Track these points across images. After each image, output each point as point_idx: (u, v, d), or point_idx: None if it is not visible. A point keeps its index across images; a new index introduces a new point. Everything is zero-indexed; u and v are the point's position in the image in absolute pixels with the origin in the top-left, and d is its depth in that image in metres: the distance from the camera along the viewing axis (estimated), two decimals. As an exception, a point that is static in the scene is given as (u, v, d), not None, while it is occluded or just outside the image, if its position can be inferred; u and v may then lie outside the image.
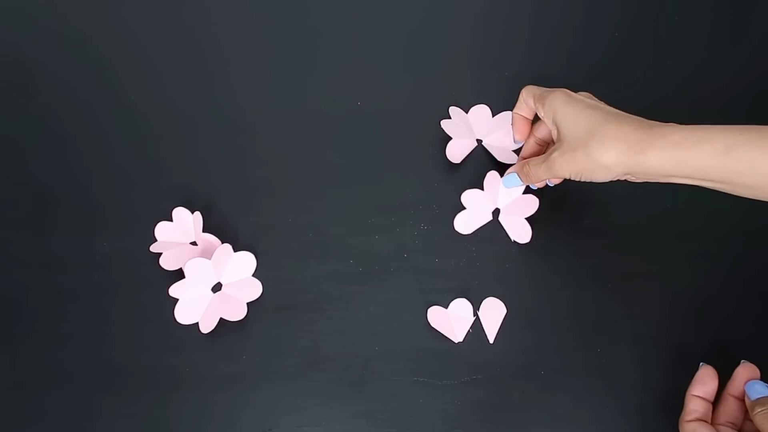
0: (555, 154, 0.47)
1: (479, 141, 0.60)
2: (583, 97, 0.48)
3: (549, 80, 0.53)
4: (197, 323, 0.53)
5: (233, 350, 0.53)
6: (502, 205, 0.56)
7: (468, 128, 0.60)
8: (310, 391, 0.52)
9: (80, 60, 0.65)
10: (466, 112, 0.60)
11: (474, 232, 0.57)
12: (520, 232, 0.56)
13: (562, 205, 0.57)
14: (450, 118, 0.59)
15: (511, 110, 0.55)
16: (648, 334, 0.53)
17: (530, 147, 0.55)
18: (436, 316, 0.53)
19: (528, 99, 0.52)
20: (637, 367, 0.52)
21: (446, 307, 0.54)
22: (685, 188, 0.57)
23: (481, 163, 0.59)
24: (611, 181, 0.46)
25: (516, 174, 0.53)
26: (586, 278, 0.55)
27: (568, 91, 0.48)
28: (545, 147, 0.54)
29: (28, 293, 0.56)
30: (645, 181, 0.45)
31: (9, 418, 0.52)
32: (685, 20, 0.65)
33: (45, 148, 0.61)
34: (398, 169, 0.59)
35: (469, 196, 0.56)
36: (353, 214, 0.58)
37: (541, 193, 0.57)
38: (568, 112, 0.46)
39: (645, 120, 0.44)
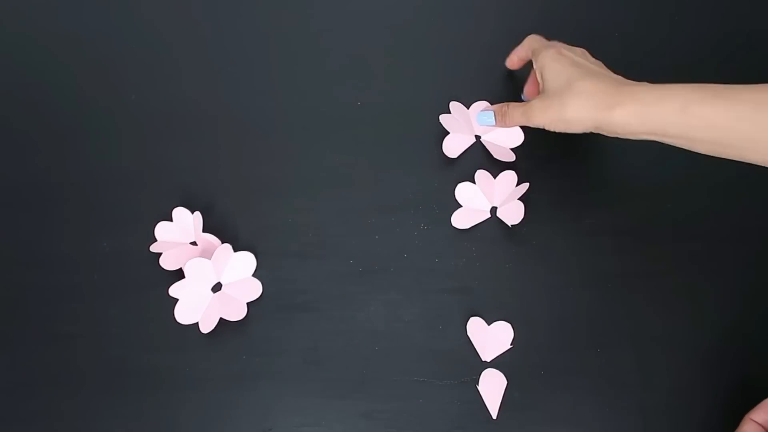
0: (534, 102, 0.51)
1: (477, 137, 0.60)
2: (575, 54, 0.51)
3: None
4: (197, 323, 0.53)
5: (233, 350, 0.53)
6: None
7: (467, 124, 0.60)
8: (310, 391, 0.52)
9: (80, 60, 0.65)
10: (468, 108, 0.61)
11: (472, 227, 0.57)
12: (513, 214, 0.56)
13: (562, 205, 0.57)
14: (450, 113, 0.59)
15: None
16: (648, 334, 0.53)
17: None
18: (475, 329, 0.53)
19: (527, 49, 0.56)
20: (637, 367, 0.52)
21: (489, 323, 0.53)
22: (685, 188, 0.57)
23: (479, 160, 0.59)
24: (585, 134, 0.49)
25: (492, 113, 0.56)
26: (586, 278, 0.55)
27: (562, 47, 0.52)
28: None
29: (28, 293, 0.55)
30: (615, 136, 0.48)
31: (9, 418, 0.52)
32: (687, 17, 0.65)
33: (45, 147, 0.61)
34: (398, 169, 0.59)
35: (462, 191, 0.57)
36: (353, 214, 0.58)
37: (542, 193, 0.57)
38: (554, 67, 0.50)
39: (621, 78, 0.48)
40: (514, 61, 0.59)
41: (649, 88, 0.45)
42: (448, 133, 0.59)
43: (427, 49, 0.65)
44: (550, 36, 0.56)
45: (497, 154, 0.59)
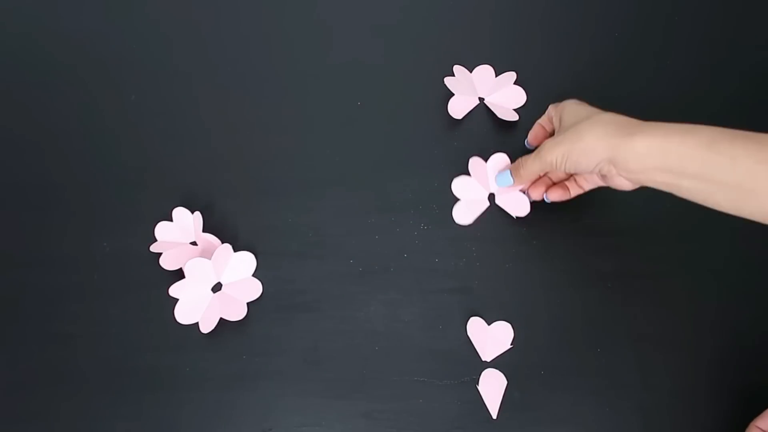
0: (547, 141, 0.49)
1: (481, 99, 0.61)
2: (586, 104, 0.50)
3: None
4: (197, 323, 0.53)
5: (233, 350, 0.53)
6: (500, 193, 0.57)
7: (471, 86, 0.61)
8: (310, 391, 0.52)
9: (80, 60, 0.65)
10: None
11: (475, 221, 0.57)
12: (518, 206, 0.56)
13: (562, 205, 0.57)
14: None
15: (514, 71, 0.61)
16: (648, 334, 0.53)
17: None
18: (475, 329, 0.53)
19: (550, 112, 0.55)
20: (637, 367, 0.52)
21: (489, 323, 0.53)
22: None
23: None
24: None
25: (508, 172, 0.54)
26: (586, 278, 0.55)
27: (584, 102, 0.51)
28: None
29: (28, 293, 0.56)
30: (623, 180, 0.46)
31: (9, 418, 0.52)
32: (687, 22, 0.65)
33: (45, 147, 0.61)
34: (398, 169, 0.59)
35: (459, 184, 0.57)
36: (353, 214, 0.58)
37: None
38: (574, 108, 0.49)
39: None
40: (536, 132, 0.56)
41: (673, 124, 0.43)
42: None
43: (426, 47, 0.65)
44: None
45: (501, 114, 0.60)
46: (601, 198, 0.58)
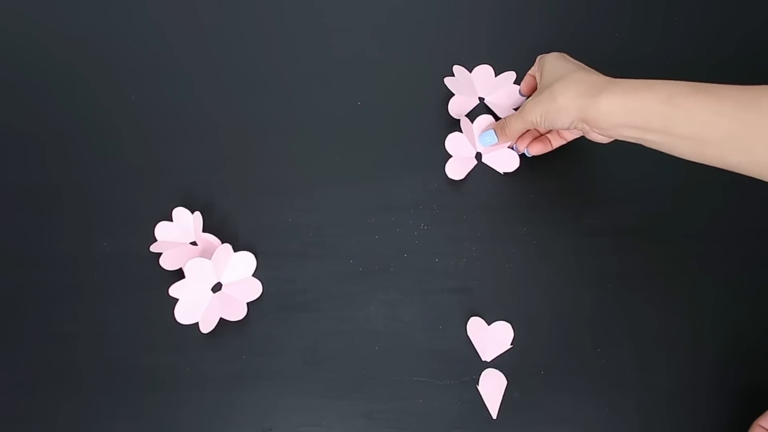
0: (528, 100, 0.52)
1: (481, 99, 0.62)
2: (570, 59, 0.52)
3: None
4: (197, 323, 0.53)
5: (233, 350, 0.53)
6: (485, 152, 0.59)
7: (471, 86, 0.62)
8: (310, 391, 0.52)
9: (80, 60, 0.65)
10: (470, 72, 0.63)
11: (465, 176, 0.58)
12: (506, 162, 0.58)
13: (562, 205, 0.57)
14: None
15: (514, 71, 0.62)
16: (648, 334, 0.53)
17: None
18: (475, 329, 0.53)
19: (537, 63, 0.56)
20: (637, 367, 0.52)
21: (489, 323, 0.53)
22: (685, 188, 0.57)
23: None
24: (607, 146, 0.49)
25: (492, 131, 0.57)
26: (586, 278, 0.55)
27: (566, 55, 0.53)
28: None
29: (28, 293, 0.56)
30: (597, 135, 0.49)
31: (9, 418, 0.52)
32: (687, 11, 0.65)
33: (45, 147, 0.61)
34: (398, 169, 0.59)
35: (452, 141, 0.59)
36: (353, 214, 0.58)
37: (542, 193, 0.57)
38: (553, 63, 0.52)
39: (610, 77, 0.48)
40: (527, 81, 0.59)
41: (636, 81, 0.45)
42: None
43: (426, 45, 0.65)
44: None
45: (501, 114, 0.60)
46: (601, 198, 0.58)
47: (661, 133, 0.44)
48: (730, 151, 0.41)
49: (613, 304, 0.54)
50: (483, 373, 0.52)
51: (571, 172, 0.59)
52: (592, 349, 0.53)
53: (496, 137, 0.57)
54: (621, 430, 0.50)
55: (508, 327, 0.53)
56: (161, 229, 0.56)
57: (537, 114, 0.51)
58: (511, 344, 0.52)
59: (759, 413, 0.47)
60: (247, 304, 0.54)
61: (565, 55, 0.53)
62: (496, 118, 0.60)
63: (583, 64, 0.51)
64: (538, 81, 0.54)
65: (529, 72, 0.59)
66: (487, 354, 0.52)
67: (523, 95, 0.60)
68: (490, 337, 0.53)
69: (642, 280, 0.55)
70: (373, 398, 0.52)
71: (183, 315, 0.53)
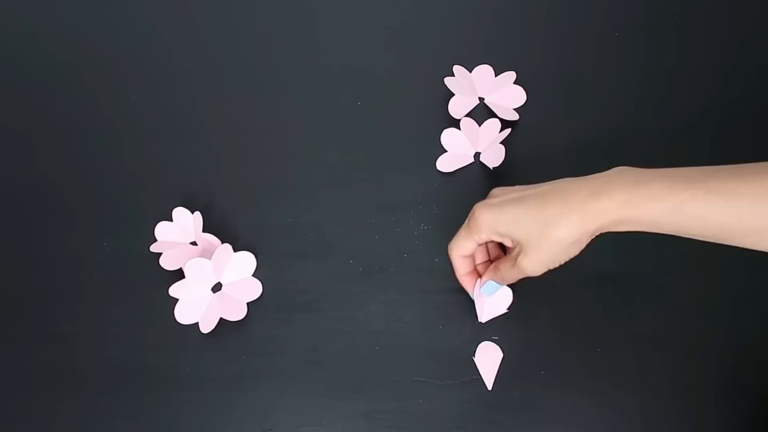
0: (520, 258, 0.44)
1: (481, 99, 0.61)
2: (502, 196, 0.46)
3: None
4: (197, 323, 0.53)
5: (233, 350, 0.53)
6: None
7: (471, 86, 0.61)
8: (310, 391, 0.52)
9: (81, 60, 0.65)
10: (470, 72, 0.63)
11: (455, 171, 0.59)
12: (494, 157, 0.58)
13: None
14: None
15: (514, 71, 0.60)
16: (648, 334, 0.53)
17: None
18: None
19: (461, 249, 0.48)
20: (637, 367, 0.52)
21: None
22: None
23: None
24: None
25: (492, 281, 0.49)
26: (586, 278, 0.55)
27: (485, 201, 0.46)
28: (496, 252, 0.52)
29: (28, 293, 0.56)
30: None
31: (9, 418, 0.52)
32: (686, 19, 0.65)
33: (45, 147, 0.61)
34: (398, 169, 0.59)
35: (447, 136, 0.59)
36: (353, 214, 0.58)
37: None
38: (504, 219, 0.44)
39: (581, 181, 0.42)
40: (468, 282, 0.51)
41: (628, 188, 0.40)
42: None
43: (426, 45, 0.65)
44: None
45: (501, 114, 0.60)
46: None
47: (675, 233, 0.41)
48: (751, 242, 0.39)
49: (613, 304, 0.54)
50: (479, 345, 0.52)
51: (570, 172, 0.58)
52: (592, 349, 0.53)
53: (498, 285, 0.50)
54: (621, 430, 0.50)
55: (507, 291, 0.52)
56: (161, 229, 0.56)
57: (543, 267, 0.44)
58: (507, 309, 0.52)
59: (759, 413, 0.47)
60: (247, 304, 0.54)
61: (489, 203, 0.46)
62: (497, 117, 0.60)
63: (520, 191, 0.45)
64: (504, 242, 0.46)
65: (460, 272, 0.50)
66: (484, 315, 0.52)
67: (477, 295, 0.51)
68: (487, 299, 0.52)
69: (642, 280, 0.55)
70: (373, 398, 0.52)
71: (183, 315, 0.53)
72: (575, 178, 0.43)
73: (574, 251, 0.44)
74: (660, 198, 0.39)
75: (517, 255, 0.45)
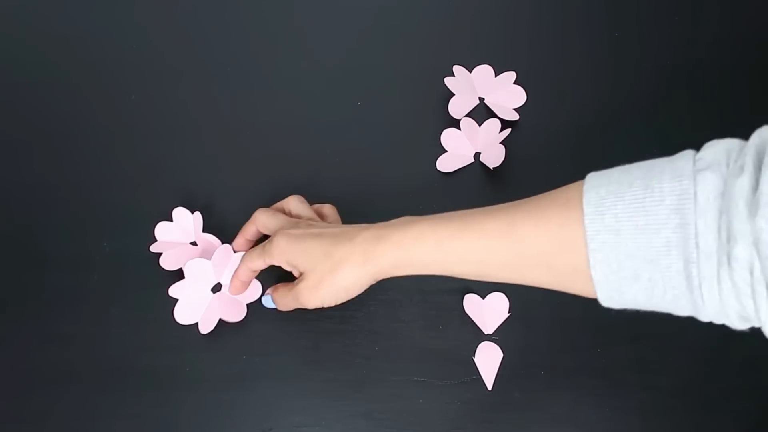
0: (301, 285, 0.46)
1: (481, 99, 0.61)
2: (305, 228, 0.48)
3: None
4: (197, 323, 0.53)
5: (233, 350, 0.53)
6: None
7: (471, 86, 0.61)
8: (310, 391, 0.52)
9: (81, 60, 0.65)
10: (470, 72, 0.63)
11: (455, 171, 0.59)
12: (495, 158, 0.58)
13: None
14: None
15: (514, 71, 0.61)
16: (648, 334, 0.53)
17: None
18: (471, 305, 0.53)
19: (252, 264, 0.50)
20: (637, 367, 0.52)
21: (483, 297, 0.54)
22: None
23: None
24: None
25: (270, 297, 0.52)
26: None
27: (287, 230, 0.48)
28: None
29: (28, 293, 0.55)
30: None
31: (9, 418, 0.52)
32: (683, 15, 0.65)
33: (44, 147, 0.61)
34: (398, 169, 0.59)
35: (447, 136, 0.59)
36: (353, 214, 0.58)
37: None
38: (298, 250, 0.46)
39: (371, 226, 0.45)
40: (241, 243, 0.53)
41: (402, 229, 0.43)
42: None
43: (426, 45, 0.65)
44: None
45: (501, 114, 0.60)
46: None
47: (443, 273, 0.43)
48: (510, 277, 0.40)
49: (613, 304, 0.54)
50: (479, 346, 0.52)
51: (570, 173, 0.58)
52: (592, 349, 0.53)
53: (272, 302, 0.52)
54: (621, 430, 0.50)
55: (502, 297, 0.53)
56: (161, 229, 0.56)
57: (319, 302, 0.46)
58: (509, 312, 0.53)
59: (760, 413, 0.47)
60: (247, 304, 0.54)
61: (289, 231, 0.47)
62: (497, 118, 0.60)
63: (323, 228, 0.47)
64: (293, 271, 0.48)
65: (245, 234, 0.53)
66: (488, 327, 0.53)
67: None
68: (487, 309, 0.53)
69: (642, 280, 0.55)
70: (373, 398, 0.52)
71: (183, 315, 0.53)
72: (369, 224, 0.45)
73: (353, 292, 0.46)
74: (424, 237, 0.42)
75: (299, 283, 0.47)
